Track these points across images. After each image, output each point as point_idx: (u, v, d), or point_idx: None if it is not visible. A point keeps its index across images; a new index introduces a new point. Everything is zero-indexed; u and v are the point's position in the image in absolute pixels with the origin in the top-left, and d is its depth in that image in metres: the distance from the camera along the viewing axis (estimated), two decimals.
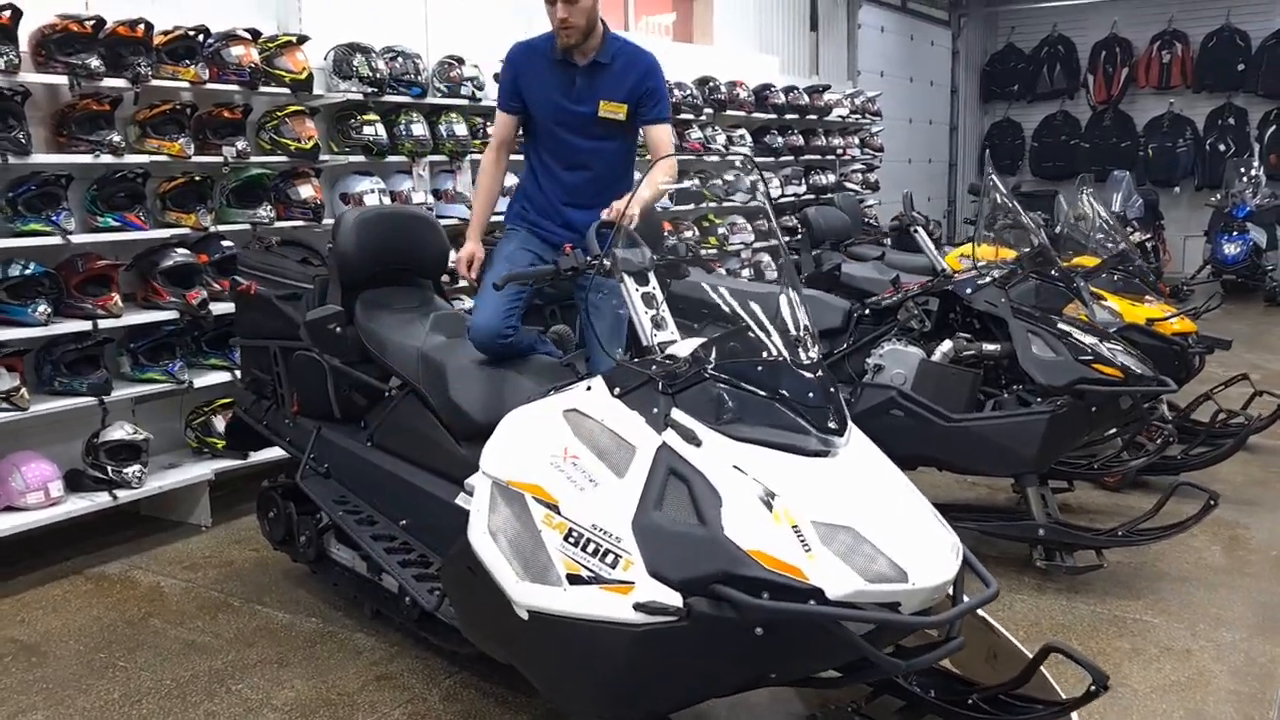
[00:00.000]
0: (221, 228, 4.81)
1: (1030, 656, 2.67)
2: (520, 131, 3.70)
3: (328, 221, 5.14)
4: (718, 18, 9.50)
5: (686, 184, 6.99)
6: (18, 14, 4.04)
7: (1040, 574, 4.02)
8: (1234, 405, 5.53)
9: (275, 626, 3.71)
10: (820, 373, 2.48)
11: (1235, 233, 11.43)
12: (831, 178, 9.63)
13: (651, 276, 2.70)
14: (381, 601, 3.51)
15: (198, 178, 4.69)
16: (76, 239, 4.28)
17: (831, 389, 2.47)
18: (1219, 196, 11.84)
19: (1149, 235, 11.12)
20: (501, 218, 3.84)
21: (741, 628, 2.16)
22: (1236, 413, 5.45)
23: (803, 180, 9.21)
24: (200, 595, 4.00)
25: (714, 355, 2.48)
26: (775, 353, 2.48)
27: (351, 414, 3.59)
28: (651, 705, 2.38)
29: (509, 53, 3.68)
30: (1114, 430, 4.60)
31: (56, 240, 4.20)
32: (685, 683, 2.32)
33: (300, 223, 5.06)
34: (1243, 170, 11.80)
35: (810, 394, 2.43)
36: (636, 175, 3.46)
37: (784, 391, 2.43)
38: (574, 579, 2.31)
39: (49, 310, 4.15)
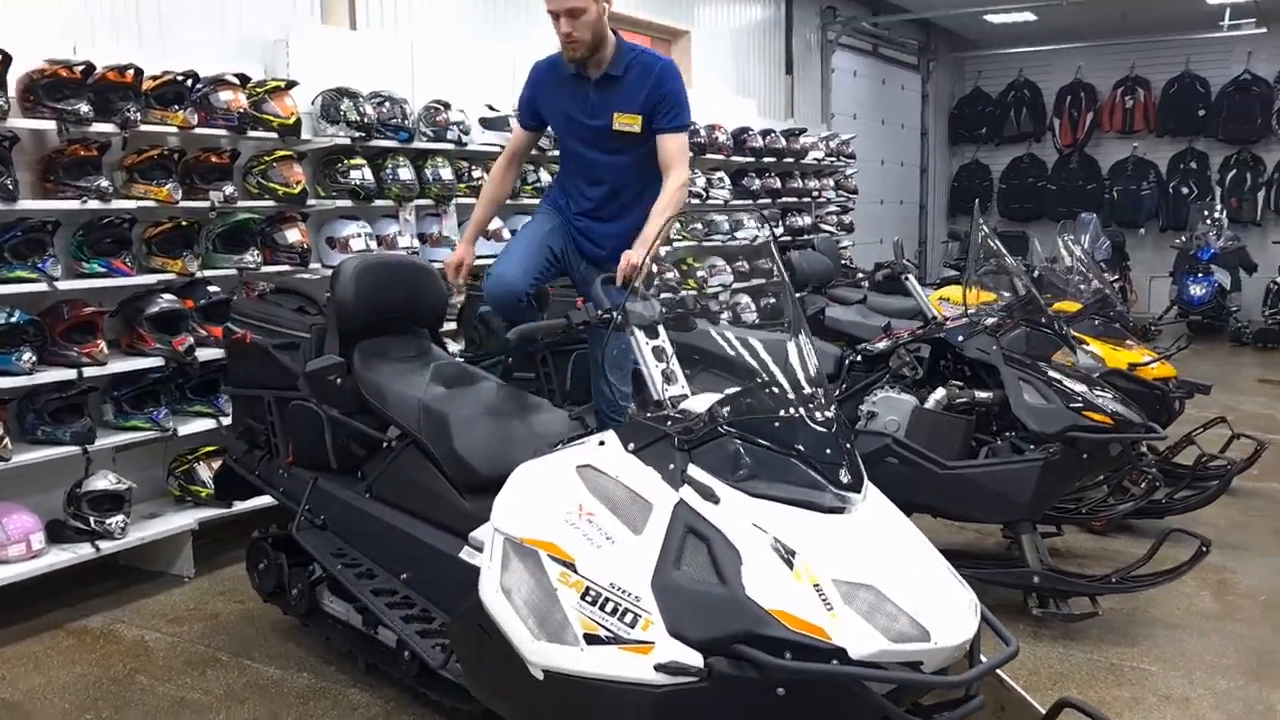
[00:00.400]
0: (208, 273, 4.75)
1: (1042, 711, 2.68)
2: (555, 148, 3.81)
3: (314, 266, 5.11)
4: (695, 60, 9.60)
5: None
6: (7, 59, 4.00)
7: (1035, 621, 4.02)
8: (1213, 448, 5.60)
9: (265, 682, 3.63)
10: (835, 427, 2.48)
11: (1200, 274, 11.69)
12: (807, 220, 9.70)
13: (661, 329, 2.70)
14: (377, 656, 3.44)
15: (184, 223, 4.64)
16: (62, 285, 4.20)
17: (847, 445, 2.47)
18: (1184, 239, 12.09)
19: (1116, 276, 11.33)
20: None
21: (763, 688, 2.14)
22: (1217, 456, 5.52)
23: (779, 223, 9.28)
24: (187, 650, 3.91)
25: (728, 410, 2.48)
26: (790, 408, 2.48)
27: (348, 464, 3.53)
28: None
29: (531, 69, 3.74)
30: (1102, 476, 4.65)
31: (42, 287, 4.14)
32: None
33: (286, 267, 5.01)
34: (1206, 214, 12.07)
35: (827, 450, 2.43)
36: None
37: (800, 446, 2.42)
38: (592, 639, 2.28)
39: (34, 358, 4.07)
